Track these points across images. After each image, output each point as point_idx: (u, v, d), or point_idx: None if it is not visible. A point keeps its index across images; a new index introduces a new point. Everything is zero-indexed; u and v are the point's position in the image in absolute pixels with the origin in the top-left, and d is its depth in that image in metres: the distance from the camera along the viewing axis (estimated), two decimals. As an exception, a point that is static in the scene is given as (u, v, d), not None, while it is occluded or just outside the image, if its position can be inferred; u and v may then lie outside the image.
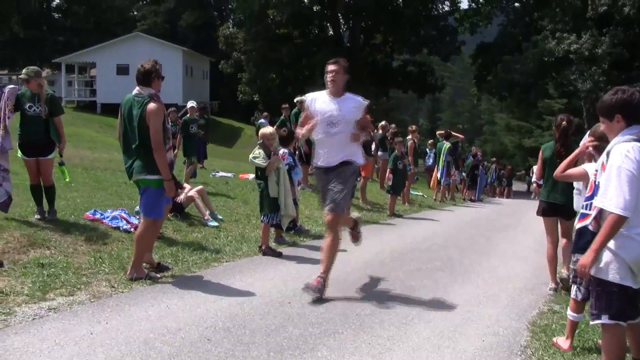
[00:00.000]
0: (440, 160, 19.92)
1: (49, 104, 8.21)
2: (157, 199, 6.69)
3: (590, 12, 33.18)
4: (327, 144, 6.76)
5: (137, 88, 6.63)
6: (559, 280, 7.59)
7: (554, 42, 34.56)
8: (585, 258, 4.06)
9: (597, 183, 4.20)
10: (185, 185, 10.57)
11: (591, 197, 4.39)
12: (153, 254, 7.30)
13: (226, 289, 6.65)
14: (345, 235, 10.89)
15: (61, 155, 8.55)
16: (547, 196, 7.59)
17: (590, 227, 4.30)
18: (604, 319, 4.14)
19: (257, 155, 8.61)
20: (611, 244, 3.99)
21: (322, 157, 6.84)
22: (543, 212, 7.72)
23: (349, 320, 5.80)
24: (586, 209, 4.64)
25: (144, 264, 6.89)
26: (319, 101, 6.80)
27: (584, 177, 5.44)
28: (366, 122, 7.08)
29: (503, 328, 5.90)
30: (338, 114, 6.63)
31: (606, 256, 4.04)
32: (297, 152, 12.21)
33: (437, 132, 23.52)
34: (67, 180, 9.29)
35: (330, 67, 6.72)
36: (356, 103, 6.76)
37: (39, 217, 8.33)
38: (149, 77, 6.60)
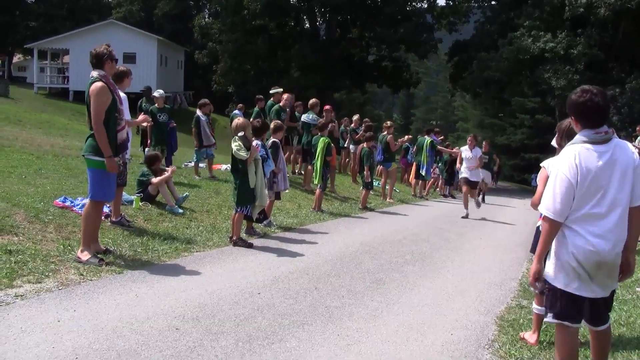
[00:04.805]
0: (423, 155, 19.82)
1: None
2: (102, 180, 6.77)
3: (568, 14, 33.35)
4: None
5: (92, 72, 6.82)
6: None
7: (529, 39, 34.70)
8: None
9: None
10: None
11: None
12: (123, 242, 7.25)
13: (196, 278, 6.64)
14: (314, 227, 10.95)
15: None
16: None
17: None
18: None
19: (239, 147, 8.53)
20: None
21: None
22: None
23: (318, 311, 5.82)
24: None
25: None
26: None
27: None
28: None
29: (471, 322, 5.97)
30: None
31: None
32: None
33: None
34: None
35: None
36: None
37: None
38: (101, 59, 6.81)
